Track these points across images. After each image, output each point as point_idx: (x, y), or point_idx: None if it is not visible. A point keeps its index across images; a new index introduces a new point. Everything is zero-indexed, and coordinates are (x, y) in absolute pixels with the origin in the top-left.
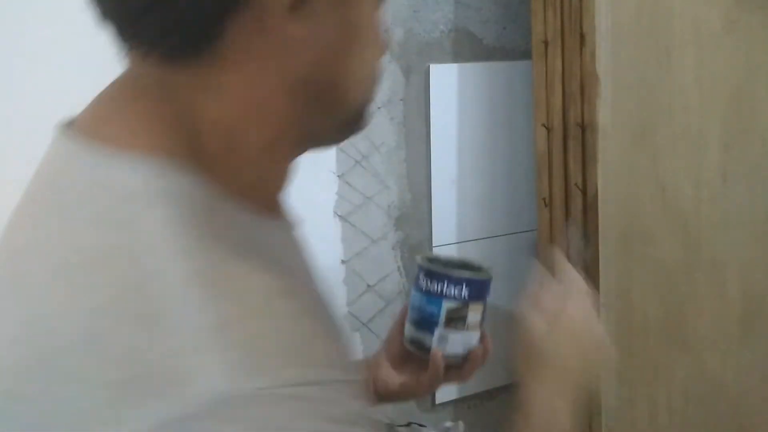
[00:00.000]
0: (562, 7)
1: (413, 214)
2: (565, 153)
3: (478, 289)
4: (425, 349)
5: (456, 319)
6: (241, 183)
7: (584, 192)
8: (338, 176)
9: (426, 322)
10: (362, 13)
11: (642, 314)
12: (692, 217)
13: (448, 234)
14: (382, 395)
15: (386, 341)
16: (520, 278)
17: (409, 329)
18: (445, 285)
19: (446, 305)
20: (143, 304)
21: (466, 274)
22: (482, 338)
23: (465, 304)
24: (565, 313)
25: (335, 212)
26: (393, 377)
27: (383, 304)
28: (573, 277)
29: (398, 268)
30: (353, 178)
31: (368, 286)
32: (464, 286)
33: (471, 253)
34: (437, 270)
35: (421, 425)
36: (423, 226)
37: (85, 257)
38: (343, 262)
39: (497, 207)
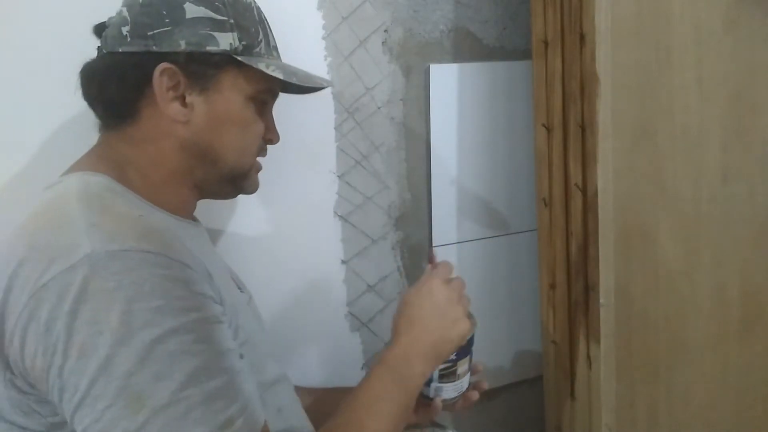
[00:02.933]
0: (562, 7)
1: (413, 214)
2: (565, 153)
3: (464, 349)
4: (426, 398)
5: (448, 375)
6: (151, 195)
7: (584, 192)
8: (338, 176)
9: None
10: (228, 110)
11: (642, 314)
12: (692, 217)
13: (448, 234)
14: None
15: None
16: (519, 277)
17: None
18: None
19: (438, 367)
20: (58, 222)
21: None
22: (474, 372)
23: (454, 363)
24: (427, 285)
25: (335, 212)
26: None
27: (383, 304)
28: (446, 269)
29: (398, 268)
30: (353, 178)
31: (368, 286)
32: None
33: (471, 253)
34: None
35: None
36: (423, 226)
37: (35, 214)
38: (343, 262)
39: (497, 207)
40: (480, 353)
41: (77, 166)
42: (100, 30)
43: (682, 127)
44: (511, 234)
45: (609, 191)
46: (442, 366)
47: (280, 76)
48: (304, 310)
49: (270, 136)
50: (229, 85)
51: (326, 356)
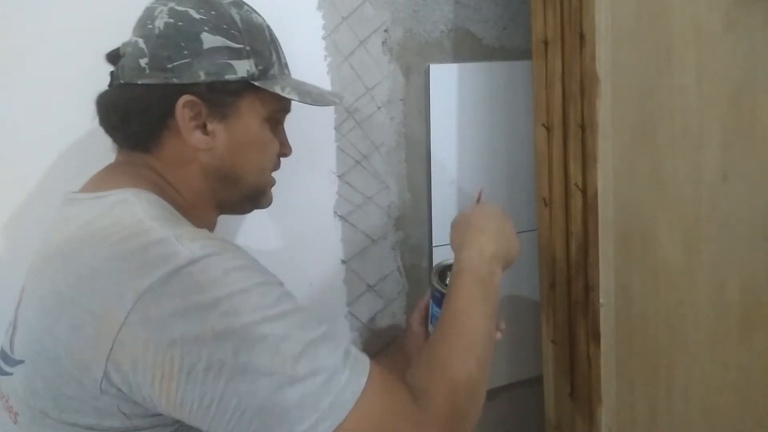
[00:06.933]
0: (562, 7)
1: (413, 214)
2: (565, 153)
3: None
4: None
5: None
6: (188, 214)
7: (584, 192)
8: (338, 176)
9: None
10: (247, 133)
11: (642, 314)
12: (692, 217)
13: (448, 234)
14: None
15: (410, 337)
16: (519, 277)
17: None
18: None
19: None
20: (143, 238)
21: None
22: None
23: None
24: (483, 208)
25: (335, 212)
26: None
27: (383, 304)
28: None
29: (398, 268)
30: (353, 178)
31: (368, 286)
32: None
33: None
34: None
35: None
36: (423, 226)
37: (104, 227)
38: (343, 262)
39: None
40: None
41: (119, 182)
42: (113, 57)
43: (682, 127)
44: None
45: (609, 191)
46: None
47: (296, 98)
48: None
49: (284, 150)
50: (246, 110)
51: None
